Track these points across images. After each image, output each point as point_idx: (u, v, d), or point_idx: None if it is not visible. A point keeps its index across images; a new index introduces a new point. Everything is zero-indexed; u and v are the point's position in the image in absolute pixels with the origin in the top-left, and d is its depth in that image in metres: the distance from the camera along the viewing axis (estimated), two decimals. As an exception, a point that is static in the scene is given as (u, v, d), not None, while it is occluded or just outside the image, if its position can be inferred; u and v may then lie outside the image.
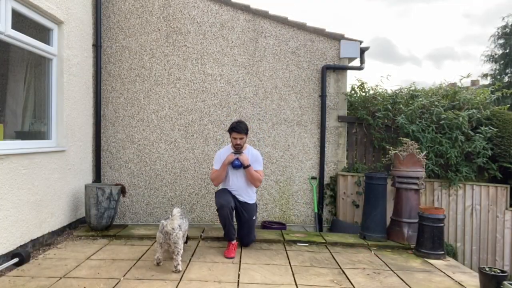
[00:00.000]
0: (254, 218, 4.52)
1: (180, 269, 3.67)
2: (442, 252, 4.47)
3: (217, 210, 4.29)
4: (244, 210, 4.42)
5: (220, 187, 4.57)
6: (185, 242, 4.37)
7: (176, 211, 3.65)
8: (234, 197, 4.40)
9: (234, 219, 4.48)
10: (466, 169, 5.64)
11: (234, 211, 4.39)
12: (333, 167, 6.04)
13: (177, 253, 3.67)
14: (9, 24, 3.87)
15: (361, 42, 6.01)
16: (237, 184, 4.41)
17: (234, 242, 4.38)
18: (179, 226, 3.69)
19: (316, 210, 5.92)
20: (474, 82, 19.48)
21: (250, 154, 4.41)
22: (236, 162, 4.26)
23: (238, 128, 4.29)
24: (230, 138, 4.39)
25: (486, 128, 5.66)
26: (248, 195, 4.47)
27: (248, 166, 4.29)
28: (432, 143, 5.65)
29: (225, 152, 4.44)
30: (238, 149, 4.35)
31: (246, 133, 4.37)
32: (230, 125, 4.39)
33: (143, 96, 5.88)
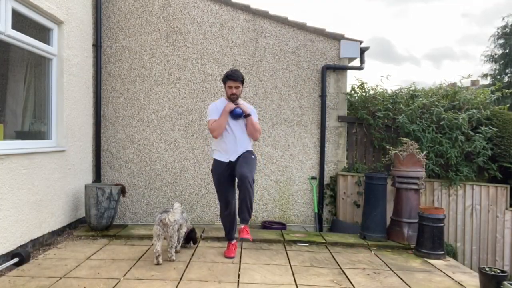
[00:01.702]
0: (253, 156, 4.08)
1: (174, 258, 3.96)
2: (442, 252, 4.47)
3: (220, 212, 4.21)
4: (240, 157, 4.02)
5: (213, 150, 4.21)
6: (194, 242, 4.56)
7: (177, 205, 3.90)
8: (229, 166, 4.01)
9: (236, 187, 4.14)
10: (466, 169, 5.64)
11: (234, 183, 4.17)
12: (333, 167, 6.04)
13: (171, 246, 3.95)
14: (9, 24, 3.87)
15: (361, 42, 6.01)
16: (233, 137, 4.01)
17: (234, 242, 4.30)
18: (176, 221, 3.90)
19: (316, 210, 5.92)
20: (474, 82, 19.48)
21: (247, 106, 4.13)
22: (238, 110, 3.91)
23: (234, 76, 3.93)
24: (225, 88, 4.05)
25: (486, 128, 5.66)
26: (245, 147, 4.08)
27: (249, 114, 3.98)
28: (432, 143, 5.65)
29: (221, 103, 4.06)
30: (234, 99, 4.00)
31: (242, 82, 4.02)
32: (225, 74, 4.04)
33: (143, 96, 5.88)
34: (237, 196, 4.12)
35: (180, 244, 4.26)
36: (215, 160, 4.15)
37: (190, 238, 4.49)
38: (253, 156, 4.06)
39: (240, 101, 4.11)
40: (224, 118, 3.94)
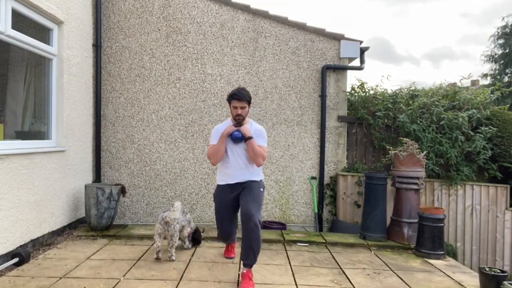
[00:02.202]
0: (261, 189, 3.67)
1: (174, 259, 3.98)
2: (442, 252, 4.47)
3: (217, 233, 3.94)
4: (246, 187, 3.64)
5: (217, 177, 3.85)
6: (197, 243, 4.57)
7: (178, 204, 3.98)
8: (233, 191, 3.66)
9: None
10: (466, 169, 5.64)
11: (236, 213, 3.83)
12: (333, 167, 6.04)
13: (172, 245, 3.98)
14: (9, 24, 3.87)
15: (361, 42, 6.01)
16: (236, 163, 3.64)
17: (233, 244, 4.16)
18: (178, 218, 3.96)
19: (316, 210, 5.92)
20: (474, 82, 19.48)
21: (253, 128, 3.66)
22: (236, 133, 3.57)
23: (239, 95, 3.52)
24: (230, 108, 3.65)
25: (486, 128, 5.66)
26: (252, 174, 3.67)
27: (250, 138, 3.53)
28: (432, 143, 5.65)
29: (224, 126, 3.70)
30: (239, 121, 3.60)
31: (249, 102, 3.60)
32: (230, 93, 3.64)
33: (143, 96, 5.88)
34: (239, 219, 3.73)
35: (186, 244, 4.37)
36: (218, 186, 3.81)
37: (195, 239, 4.52)
38: (261, 189, 3.66)
39: (250, 123, 3.73)
40: (221, 143, 3.58)
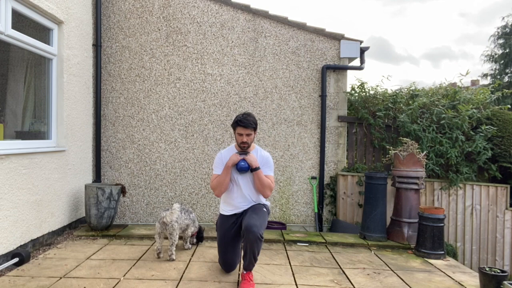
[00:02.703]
0: (264, 209, 3.55)
1: (174, 258, 3.99)
2: (442, 252, 4.47)
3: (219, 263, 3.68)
4: (251, 207, 3.56)
5: (221, 206, 3.72)
6: (200, 241, 4.65)
7: (176, 205, 3.99)
8: (236, 220, 3.54)
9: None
10: (466, 169, 5.64)
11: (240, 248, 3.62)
12: (333, 167, 6.04)
13: (172, 244, 3.99)
14: (9, 24, 3.87)
15: (361, 42, 6.01)
16: (242, 194, 3.51)
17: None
18: (177, 219, 3.99)
19: (316, 210, 5.92)
20: (474, 82, 19.49)
21: (259, 156, 3.53)
22: (242, 163, 3.38)
23: (245, 122, 3.36)
24: (235, 135, 3.48)
25: (486, 128, 5.66)
26: (256, 203, 3.60)
27: (257, 168, 3.40)
28: (433, 143, 5.65)
29: (228, 153, 3.55)
30: (244, 148, 3.46)
31: (255, 129, 3.46)
32: (235, 118, 3.45)
33: (143, 96, 5.88)
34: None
35: (189, 243, 4.41)
36: (221, 216, 3.66)
37: (200, 237, 4.62)
38: (264, 209, 3.51)
39: (256, 150, 3.57)
40: (226, 175, 3.43)
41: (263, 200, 3.62)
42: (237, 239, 3.55)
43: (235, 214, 3.55)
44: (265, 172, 3.47)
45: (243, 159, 3.40)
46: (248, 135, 3.40)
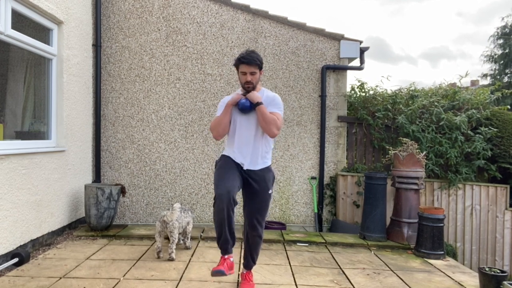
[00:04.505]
0: (270, 192, 3.17)
1: (174, 257, 4.01)
2: (442, 252, 4.47)
3: (213, 201, 2.94)
4: (256, 181, 3.10)
5: (224, 149, 3.29)
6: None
7: (177, 205, 4.04)
8: (239, 169, 3.09)
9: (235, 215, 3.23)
10: (466, 170, 5.64)
11: (240, 188, 3.09)
12: (333, 167, 6.04)
13: (172, 242, 4.03)
14: (9, 24, 3.87)
15: (361, 42, 6.01)
16: (245, 137, 3.10)
17: (228, 256, 3.03)
18: (177, 219, 4.05)
19: (316, 210, 5.92)
20: (473, 82, 19.50)
21: (265, 96, 3.14)
22: (243, 101, 3.04)
23: (248, 58, 3.00)
24: (238, 75, 3.14)
25: (486, 128, 5.66)
26: (263, 155, 3.16)
27: (260, 103, 3.02)
28: (432, 143, 5.65)
29: (232, 97, 3.20)
30: (248, 89, 3.08)
31: (260, 67, 3.09)
32: (237, 56, 3.10)
33: (143, 96, 5.88)
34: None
35: (189, 240, 4.48)
36: (223, 156, 3.21)
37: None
38: (270, 191, 3.17)
39: (262, 91, 3.21)
40: (225, 114, 3.08)
41: (268, 155, 3.21)
42: (239, 179, 3.03)
43: (241, 164, 3.10)
44: (271, 109, 3.08)
45: (245, 98, 3.06)
46: (252, 73, 3.03)
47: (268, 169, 3.18)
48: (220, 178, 2.98)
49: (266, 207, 3.18)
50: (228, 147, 3.22)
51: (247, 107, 3.04)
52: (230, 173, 3.01)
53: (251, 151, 3.10)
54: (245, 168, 3.08)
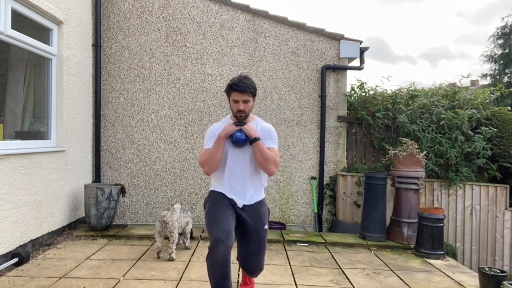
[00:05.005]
0: (265, 227, 2.92)
1: (174, 257, 4.02)
2: (442, 252, 4.47)
3: (209, 250, 2.64)
4: (250, 217, 2.83)
5: (212, 184, 2.97)
6: (191, 238, 4.69)
7: (177, 206, 4.06)
8: (232, 205, 2.82)
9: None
10: (466, 169, 5.64)
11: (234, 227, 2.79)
12: (332, 167, 6.04)
13: (172, 242, 4.05)
14: (9, 24, 3.87)
15: (360, 42, 6.01)
16: (239, 173, 2.80)
17: None
18: (177, 219, 4.08)
19: (315, 210, 5.92)
20: (473, 82, 19.49)
21: (260, 127, 2.85)
22: (238, 134, 2.71)
23: (241, 86, 2.71)
24: (229, 103, 2.82)
25: (486, 128, 5.66)
26: (256, 190, 2.89)
27: (257, 139, 2.72)
28: (432, 143, 5.65)
29: (222, 125, 2.85)
30: (241, 119, 2.79)
31: (254, 95, 2.80)
32: (229, 82, 2.79)
33: (143, 96, 5.88)
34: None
35: (189, 241, 4.49)
36: (213, 192, 2.91)
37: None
38: (266, 227, 2.92)
39: (256, 120, 2.92)
40: (217, 147, 2.73)
41: (262, 188, 2.98)
42: (231, 215, 2.76)
43: (233, 200, 2.82)
44: (268, 145, 2.79)
45: (240, 130, 2.74)
46: (245, 101, 2.74)
47: (262, 203, 2.94)
48: (215, 221, 2.69)
49: (264, 247, 2.92)
50: (217, 182, 2.90)
51: (243, 140, 2.73)
52: (224, 213, 2.73)
53: (245, 188, 2.82)
54: (238, 205, 2.81)
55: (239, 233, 2.88)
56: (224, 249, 2.53)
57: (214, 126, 2.91)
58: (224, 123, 2.88)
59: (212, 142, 2.78)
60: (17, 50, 4.60)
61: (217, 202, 2.80)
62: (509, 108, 6.33)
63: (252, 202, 2.85)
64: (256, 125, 2.87)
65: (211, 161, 2.75)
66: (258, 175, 2.89)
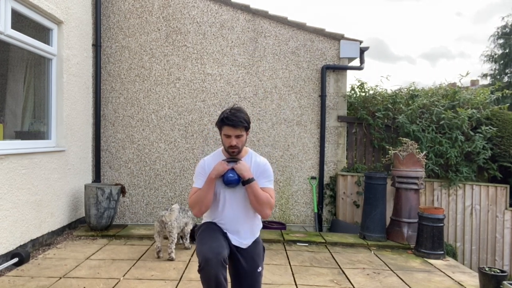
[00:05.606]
0: (259, 269, 2.61)
1: (174, 257, 4.02)
2: (442, 252, 4.47)
3: (199, 269, 2.36)
4: (243, 257, 2.57)
5: (204, 220, 2.71)
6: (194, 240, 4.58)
7: (175, 206, 4.08)
8: (226, 238, 2.54)
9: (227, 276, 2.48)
10: (466, 169, 5.64)
11: (227, 265, 2.42)
12: (332, 167, 6.04)
13: (171, 242, 4.06)
14: (9, 24, 3.87)
15: (361, 42, 6.01)
16: (232, 216, 2.58)
17: None
18: (176, 219, 4.10)
19: (316, 210, 5.92)
20: (473, 82, 19.50)
21: (253, 163, 2.63)
22: (230, 174, 2.50)
23: (233, 120, 2.50)
24: (221, 137, 2.61)
25: (486, 128, 5.66)
26: (250, 232, 2.63)
27: (251, 180, 2.50)
28: (432, 143, 5.65)
29: (213, 160, 2.64)
30: (233, 154, 2.58)
31: (247, 129, 2.59)
32: (220, 115, 2.59)
33: (143, 96, 5.88)
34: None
35: (188, 241, 4.49)
36: (205, 222, 2.69)
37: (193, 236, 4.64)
38: (259, 269, 2.61)
39: (250, 155, 2.68)
40: (207, 189, 2.51)
41: (258, 228, 2.73)
42: (226, 243, 2.51)
43: (226, 233, 2.59)
44: (262, 185, 2.57)
45: (232, 169, 2.52)
46: (238, 136, 2.53)
47: (257, 242, 2.69)
48: (204, 241, 2.47)
49: (258, 283, 2.62)
50: (210, 219, 2.69)
51: (235, 182, 2.51)
52: (215, 234, 2.53)
53: (239, 229, 2.60)
54: (232, 242, 2.57)
55: (232, 274, 2.64)
56: (213, 266, 2.30)
57: (204, 162, 2.68)
58: (215, 157, 2.69)
59: (202, 180, 2.58)
60: (17, 50, 4.60)
61: (210, 228, 2.60)
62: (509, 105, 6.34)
63: (245, 247, 2.60)
64: (250, 160, 2.66)
65: (201, 203, 2.53)
66: (253, 217, 2.65)
